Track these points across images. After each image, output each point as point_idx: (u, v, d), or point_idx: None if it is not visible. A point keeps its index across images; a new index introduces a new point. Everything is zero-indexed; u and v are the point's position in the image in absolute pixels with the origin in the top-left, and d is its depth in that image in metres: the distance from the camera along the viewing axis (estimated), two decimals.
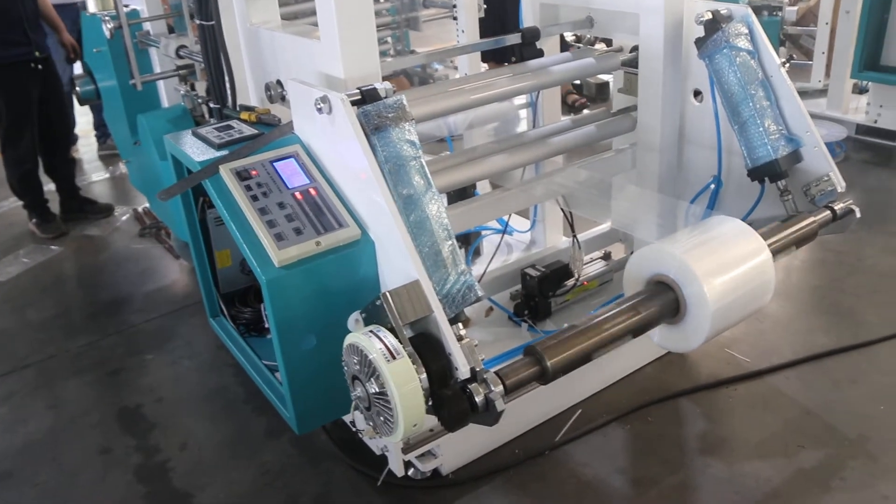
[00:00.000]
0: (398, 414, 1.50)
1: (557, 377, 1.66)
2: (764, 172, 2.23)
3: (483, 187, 2.98)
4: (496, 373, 1.60)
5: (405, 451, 2.04)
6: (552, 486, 2.20)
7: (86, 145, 5.74)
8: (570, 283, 2.63)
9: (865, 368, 2.57)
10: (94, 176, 5.24)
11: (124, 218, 4.41)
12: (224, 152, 1.88)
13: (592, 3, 2.55)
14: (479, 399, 1.55)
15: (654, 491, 2.15)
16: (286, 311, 1.67)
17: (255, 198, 1.73)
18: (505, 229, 2.86)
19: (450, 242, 1.70)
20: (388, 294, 1.56)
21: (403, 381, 1.48)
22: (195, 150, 1.91)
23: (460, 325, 1.69)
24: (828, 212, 2.16)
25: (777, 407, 2.43)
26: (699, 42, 2.28)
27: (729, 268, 1.81)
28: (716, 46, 2.24)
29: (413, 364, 1.52)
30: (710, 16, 2.25)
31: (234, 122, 2.09)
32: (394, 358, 1.50)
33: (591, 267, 2.76)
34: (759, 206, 2.34)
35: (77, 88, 3.62)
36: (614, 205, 2.61)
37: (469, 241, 2.93)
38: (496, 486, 2.21)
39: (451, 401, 1.57)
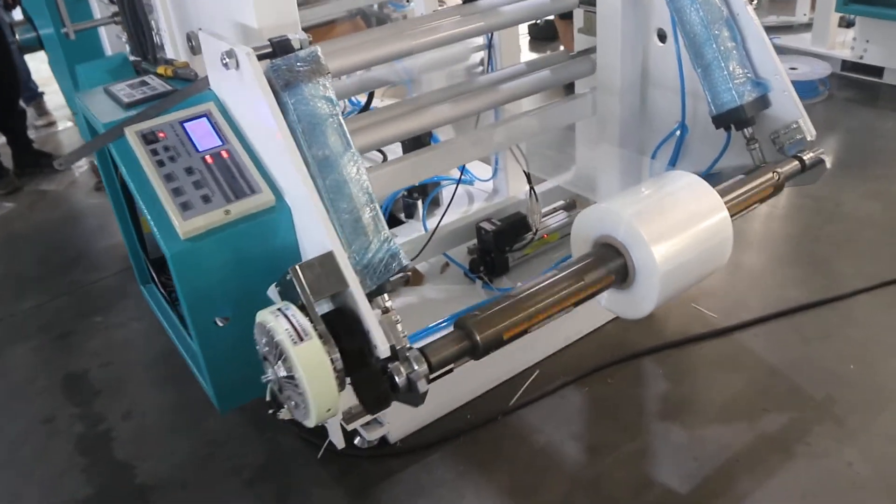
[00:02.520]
0: (308, 399, 1.38)
1: (490, 352, 1.54)
2: (729, 119, 2.07)
3: (447, 134, 2.80)
4: (421, 350, 1.47)
5: (347, 420, 1.94)
6: (503, 453, 2.10)
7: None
8: (529, 237, 2.50)
9: (837, 323, 2.46)
10: (61, 125, 5.05)
11: (81, 171, 4.25)
12: (132, 112, 1.71)
13: None
14: (400, 379, 1.43)
15: (611, 458, 2.05)
16: (195, 285, 1.54)
17: (161, 163, 1.58)
18: (460, 179, 2.70)
19: (371, 207, 1.56)
20: (298, 268, 1.43)
21: (312, 364, 1.36)
22: (103, 109, 1.74)
23: (386, 296, 1.57)
24: (796, 162, 2.01)
25: (743, 366, 2.32)
26: None
27: (680, 229, 1.67)
28: None
29: (325, 345, 1.39)
30: None
31: (149, 78, 1.92)
32: (301, 339, 1.37)
33: (551, 219, 2.62)
34: (726, 155, 2.19)
35: (17, 36, 3.42)
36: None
37: (426, 192, 2.78)
38: (446, 454, 2.12)
39: (369, 382, 1.45)
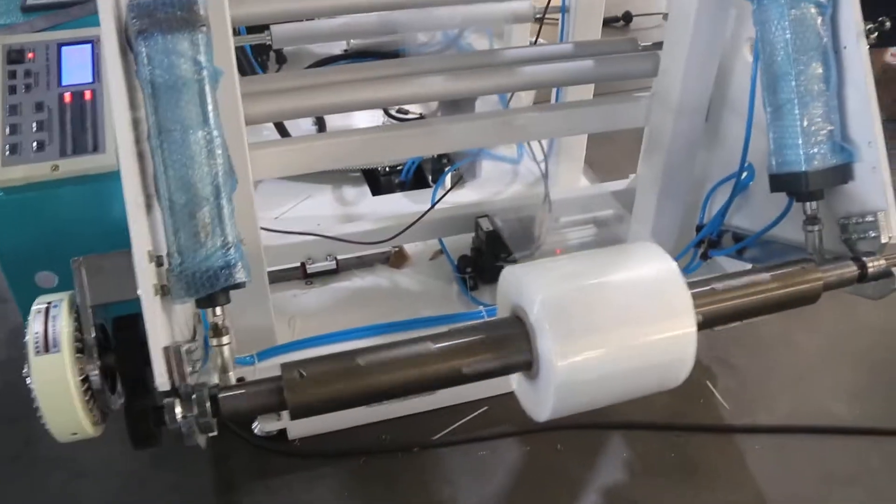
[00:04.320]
0: (43, 417, 1.14)
1: (302, 417, 1.23)
2: (785, 185, 1.56)
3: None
4: (213, 392, 1.19)
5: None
6: (396, 494, 1.80)
7: None
8: (532, 248, 2.08)
9: (873, 467, 1.90)
10: None
11: None
12: (28, 18, 1.47)
13: None
14: (177, 419, 1.16)
15: None
16: (6, 241, 1.32)
17: (12, 90, 1.34)
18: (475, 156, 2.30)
19: (214, 203, 1.24)
20: (79, 261, 1.17)
21: (47, 381, 1.12)
22: (1, 5, 1.51)
23: (218, 310, 1.28)
24: (854, 267, 1.48)
25: (727, 481, 1.85)
26: None
27: (609, 334, 1.24)
28: None
29: (81, 361, 1.14)
30: None
31: None
32: (46, 350, 1.13)
33: (577, 231, 2.19)
34: (790, 224, 1.67)
35: None
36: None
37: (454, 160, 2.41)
38: (338, 471, 1.85)
39: (135, 417, 1.20)
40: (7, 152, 1.29)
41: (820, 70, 1.50)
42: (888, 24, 1.53)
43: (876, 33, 1.52)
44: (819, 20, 1.49)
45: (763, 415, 2.01)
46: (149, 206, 1.24)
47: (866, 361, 2.21)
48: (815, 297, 1.45)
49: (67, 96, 1.35)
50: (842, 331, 2.29)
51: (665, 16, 1.83)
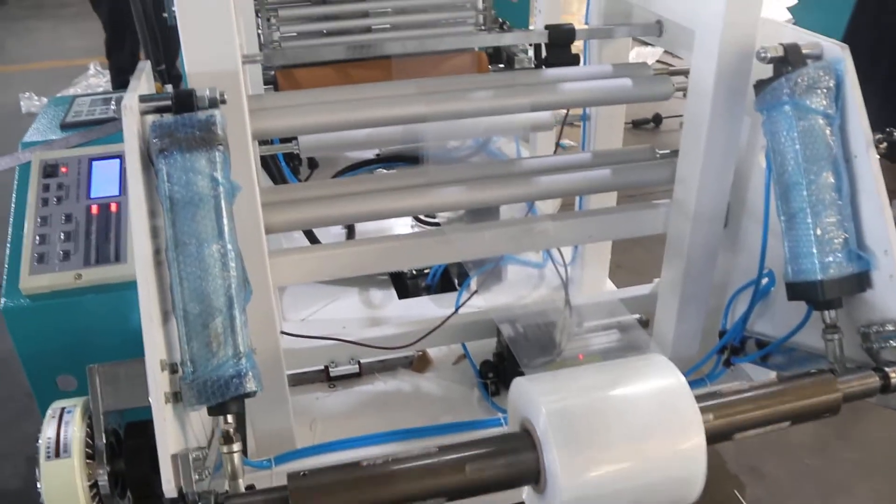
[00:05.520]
0: None
1: None
2: (803, 293, 1.55)
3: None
4: (219, 500, 1.19)
5: None
6: None
7: None
8: (553, 355, 2.07)
9: None
10: None
11: None
12: (64, 134, 1.57)
13: (659, 6, 1.89)
14: None
15: None
16: (30, 345, 1.37)
17: (45, 202, 1.42)
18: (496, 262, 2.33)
19: (226, 314, 1.28)
20: (94, 369, 1.21)
21: (56, 485, 1.15)
22: (43, 124, 1.62)
23: (229, 417, 1.30)
24: (875, 378, 1.44)
25: None
26: (758, 87, 1.59)
27: (615, 448, 1.22)
28: (775, 98, 1.54)
29: (91, 466, 1.17)
30: (780, 52, 1.55)
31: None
32: (57, 455, 1.15)
33: (599, 336, 2.17)
34: (810, 332, 1.64)
35: None
36: None
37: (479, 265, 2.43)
38: None
39: None
40: (35, 261, 1.36)
41: (831, 179, 1.51)
42: None
43: (885, 143, 1.53)
44: (828, 130, 1.51)
45: None
46: (165, 315, 1.28)
47: None
48: (836, 409, 1.41)
49: (95, 208, 1.43)
50: (880, 440, 2.20)
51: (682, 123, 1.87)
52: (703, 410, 1.27)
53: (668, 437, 1.24)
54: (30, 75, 6.36)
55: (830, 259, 1.49)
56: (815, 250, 1.50)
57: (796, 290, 1.55)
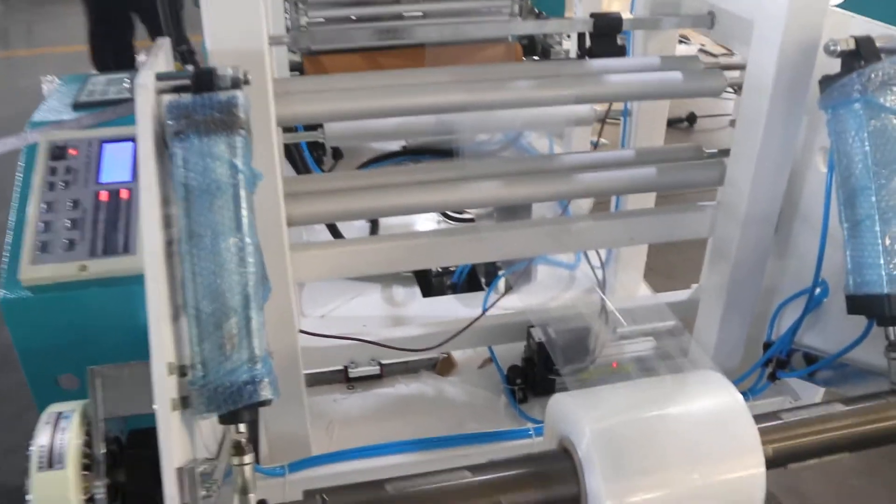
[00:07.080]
0: None
1: None
2: (864, 307, 1.42)
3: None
4: None
5: None
6: None
7: None
8: (587, 361, 1.96)
9: None
10: None
11: None
12: (75, 115, 1.47)
13: None
14: None
15: None
16: (30, 340, 1.27)
17: (51, 186, 1.32)
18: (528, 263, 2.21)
19: (242, 314, 1.18)
20: (95, 371, 1.11)
21: (47, 497, 1.05)
22: (53, 104, 1.52)
23: (241, 426, 1.20)
24: None
25: None
26: (824, 83, 1.46)
27: (666, 472, 1.11)
28: (844, 95, 1.42)
29: (88, 478, 1.07)
30: (851, 45, 1.42)
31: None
32: (50, 466, 1.05)
33: (634, 344, 2.05)
34: (869, 347, 1.52)
35: None
36: None
37: (508, 264, 2.32)
38: None
39: None
40: (37, 251, 1.26)
41: None
42: None
43: None
44: None
45: None
46: (175, 313, 1.18)
47: None
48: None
49: (104, 194, 1.33)
50: None
51: (732, 122, 1.75)
52: (762, 432, 1.15)
53: (724, 463, 1.13)
54: (56, 58, 6.31)
55: None
56: (882, 261, 1.38)
57: (858, 304, 1.43)
